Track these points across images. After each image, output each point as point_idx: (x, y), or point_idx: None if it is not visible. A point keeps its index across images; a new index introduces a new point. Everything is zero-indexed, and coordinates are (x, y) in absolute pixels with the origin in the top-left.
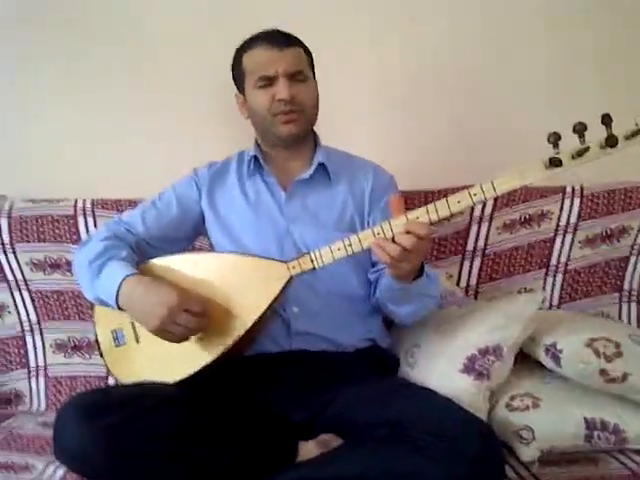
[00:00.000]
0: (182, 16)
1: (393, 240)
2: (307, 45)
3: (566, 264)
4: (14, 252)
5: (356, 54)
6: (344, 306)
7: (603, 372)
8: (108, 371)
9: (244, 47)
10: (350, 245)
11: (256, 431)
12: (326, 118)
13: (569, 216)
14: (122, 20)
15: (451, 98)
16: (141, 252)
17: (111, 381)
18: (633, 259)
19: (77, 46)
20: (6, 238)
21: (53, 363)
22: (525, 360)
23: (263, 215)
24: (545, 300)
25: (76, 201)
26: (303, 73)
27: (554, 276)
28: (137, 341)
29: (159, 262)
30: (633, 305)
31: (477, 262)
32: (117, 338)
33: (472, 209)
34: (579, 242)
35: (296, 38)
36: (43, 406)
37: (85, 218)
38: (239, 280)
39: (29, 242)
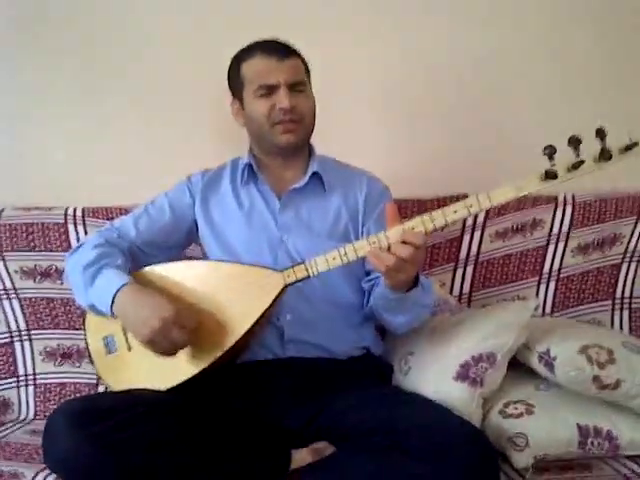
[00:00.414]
0: (178, 21)
1: (389, 250)
2: (306, 55)
3: (559, 272)
4: (3, 260)
5: (355, 63)
6: (337, 314)
7: (596, 379)
8: (98, 379)
9: (243, 55)
10: (345, 254)
11: (249, 439)
12: (324, 127)
13: (561, 224)
14: (119, 25)
15: (449, 108)
16: (133, 258)
17: (101, 389)
18: (625, 267)
19: (70, 52)
20: None
21: (42, 371)
22: (518, 367)
23: (257, 224)
24: (538, 307)
25: (67, 209)
26: (303, 83)
27: (547, 284)
28: (129, 349)
29: (153, 270)
30: (625, 312)
31: (470, 270)
32: (108, 345)
33: (465, 218)
34: (571, 250)
35: (294, 49)
36: (32, 414)
37: (76, 226)
38: (233, 288)
39: (19, 250)
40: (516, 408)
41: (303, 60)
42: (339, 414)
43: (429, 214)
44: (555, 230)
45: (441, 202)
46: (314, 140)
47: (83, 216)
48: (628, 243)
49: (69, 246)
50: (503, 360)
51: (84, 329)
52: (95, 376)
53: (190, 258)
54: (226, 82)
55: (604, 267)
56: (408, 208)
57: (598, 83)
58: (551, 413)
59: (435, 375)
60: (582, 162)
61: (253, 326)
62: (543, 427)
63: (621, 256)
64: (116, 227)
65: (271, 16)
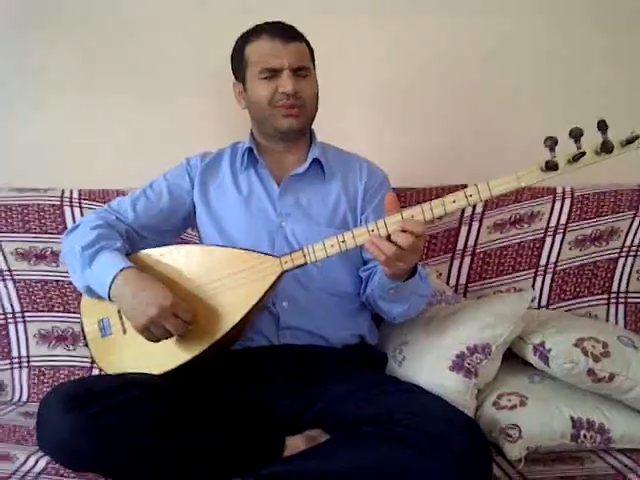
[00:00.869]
0: (179, 2)
1: (388, 238)
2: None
3: (555, 265)
4: None
5: (354, 52)
6: (333, 303)
7: (590, 372)
8: (92, 362)
9: (247, 37)
10: (344, 241)
11: (242, 425)
12: (323, 115)
13: (559, 217)
14: (119, 7)
15: (449, 98)
16: (130, 241)
17: (95, 373)
18: (622, 261)
19: (68, 36)
20: None
21: (36, 354)
22: (513, 359)
23: (255, 209)
24: (534, 300)
25: (63, 191)
26: (307, 68)
27: (543, 276)
28: (124, 332)
29: (149, 254)
30: (621, 307)
31: (467, 261)
32: (103, 329)
33: (464, 209)
34: (569, 243)
35: (300, 33)
36: (25, 396)
37: (72, 208)
38: (230, 273)
39: (14, 232)
40: (510, 400)
41: (309, 45)
42: (333, 402)
43: (428, 203)
44: (553, 223)
45: (440, 192)
46: (314, 127)
47: (79, 198)
48: (625, 237)
49: (65, 228)
50: (498, 351)
51: (79, 311)
52: (89, 360)
53: (186, 243)
54: (228, 65)
55: (601, 261)
56: (407, 198)
57: (599, 76)
58: (544, 405)
59: (430, 365)
60: (583, 154)
61: (249, 312)
62: (536, 419)
63: (618, 250)
64: (114, 209)
65: (272, 2)
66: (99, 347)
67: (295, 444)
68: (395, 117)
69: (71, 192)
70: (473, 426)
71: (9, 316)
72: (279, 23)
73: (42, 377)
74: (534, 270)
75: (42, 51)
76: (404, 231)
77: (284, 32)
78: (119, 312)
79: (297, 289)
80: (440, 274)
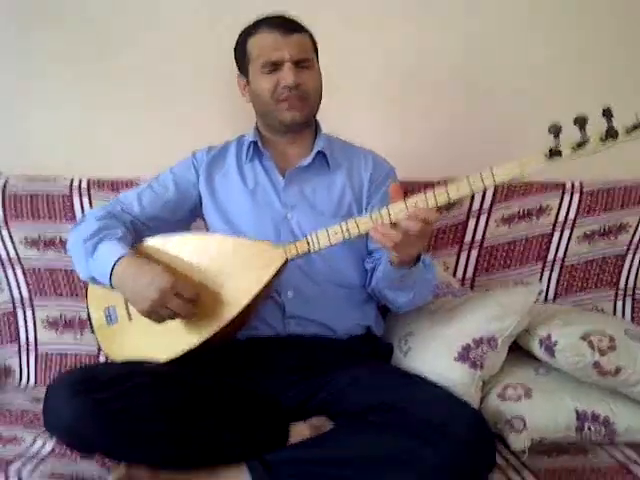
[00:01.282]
0: None
1: (394, 225)
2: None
3: (563, 259)
4: (8, 229)
5: (359, 42)
6: (339, 293)
7: (596, 365)
8: (99, 349)
9: (249, 30)
10: (348, 230)
11: (247, 412)
12: (328, 106)
13: (568, 212)
14: None
15: (453, 89)
16: (137, 233)
17: (102, 359)
18: (630, 256)
19: (76, 24)
20: (0, 215)
21: (44, 340)
22: (519, 351)
23: (261, 201)
24: (541, 293)
25: (72, 180)
26: (309, 60)
27: (550, 271)
28: (129, 319)
29: (153, 242)
30: (628, 301)
31: (474, 254)
32: (110, 316)
33: (471, 202)
34: (577, 238)
35: (301, 24)
36: (32, 381)
37: (81, 197)
38: (234, 262)
39: (23, 220)
40: (515, 391)
41: (311, 36)
42: (338, 391)
43: (432, 191)
44: (561, 217)
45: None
46: (318, 118)
47: (88, 187)
48: (634, 233)
49: (74, 217)
50: (504, 344)
51: (86, 300)
52: (96, 347)
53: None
54: (232, 58)
55: (609, 256)
56: (414, 190)
57: (604, 64)
58: (549, 397)
59: (435, 356)
60: (588, 141)
61: (253, 300)
62: (541, 411)
63: (626, 246)
64: (120, 201)
65: None
66: (105, 334)
67: (299, 432)
68: (402, 108)
69: (80, 181)
70: (477, 416)
71: (17, 303)
72: (280, 16)
73: (49, 363)
74: (542, 264)
75: (51, 41)
76: (412, 217)
77: (284, 24)
78: (125, 300)
79: (303, 280)
80: (447, 267)
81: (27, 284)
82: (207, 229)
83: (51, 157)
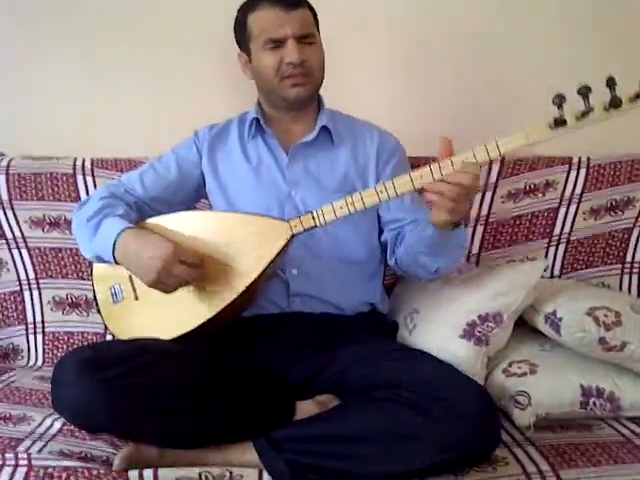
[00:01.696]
0: None
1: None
2: (314, 6)
3: (569, 234)
4: (12, 209)
5: (365, 16)
6: (344, 270)
7: (602, 340)
8: (106, 328)
9: (249, 6)
10: (353, 203)
11: (253, 389)
12: (333, 81)
13: (574, 187)
14: None
15: (459, 64)
16: (140, 213)
17: (109, 339)
18: (636, 231)
19: (78, 3)
20: (4, 195)
21: (51, 320)
22: (524, 326)
23: (265, 178)
24: (547, 269)
25: (75, 160)
26: (312, 35)
27: (556, 246)
28: (136, 298)
29: (157, 220)
30: (634, 277)
31: (480, 230)
32: (115, 295)
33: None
34: (583, 213)
35: None
36: (40, 361)
37: (84, 177)
38: (240, 238)
39: (27, 200)
40: (520, 367)
41: (312, 10)
42: (344, 368)
43: (437, 164)
44: (568, 192)
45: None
46: (323, 94)
47: (92, 167)
48: None
49: (78, 197)
50: (509, 320)
51: (91, 278)
52: (103, 326)
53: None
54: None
55: (615, 231)
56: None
57: (609, 33)
58: (554, 373)
59: (441, 333)
60: (591, 110)
61: (259, 276)
62: (546, 386)
63: (633, 220)
64: (123, 182)
65: None
66: (111, 313)
67: (306, 409)
68: (406, 85)
69: (83, 160)
70: (482, 392)
71: (24, 283)
72: None
73: (56, 342)
74: (547, 240)
75: (52, 19)
76: (460, 173)
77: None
78: (130, 278)
79: (307, 257)
80: None
81: (33, 264)
82: (210, 208)
83: (54, 137)
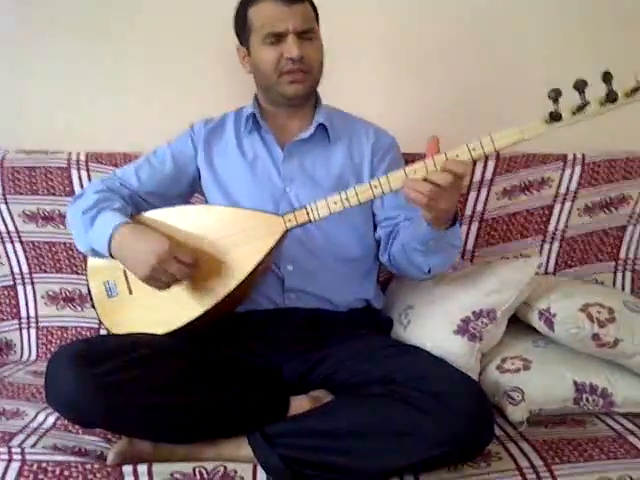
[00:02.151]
0: None
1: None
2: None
3: (563, 231)
4: (6, 203)
5: (362, 14)
6: (339, 266)
7: (595, 337)
8: (100, 323)
9: (249, 0)
10: (347, 198)
11: (248, 385)
12: (330, 78)
13: (569, 183)
14: None
15: (455, 61)
16: (136, 206)
17: (103, 333)
18: (630, 228)
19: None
20: None
21: (44, 314)
22: (518, 323)
23: (260, 174)
24: (541, 266)
25: (70, 154)
26: (312, 30)
27: (551, 243)
28: (130, 292)
29: (152, 214)
30: (628, 274)
31: (475, 227)
32: (109, 289)
33: (472, 175)
34: (578, 210)
35: None
36: (34, 356)
37: (79, 171)
38: (233, 232)
39: (21, 194)
40: (513, 363)
41: (312, 4)
42: (338, 364)
43: (431, 159)
44: (563, 189)
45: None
46: (320, 89)
47: (86, 161)
48: (635, 205)
49: (72, 191)
50: (503, 317)
51: (86, 273)
52: (97, 321)
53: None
54: (232, 27)
55: (610, 228)
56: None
57: (604, 30)
58: (548, 369)
59: (435, 329)
60: (587, 104)
61: (253, 271)
62: (539, 382)
63: (627, 217)
64: (118, 176)
65: None
66: (106, 308)
67: (300, 404)
68: (405, 76)
69: (78, 154)
70: (476, 388)
71: (17, 277)
72: None
73: (50, 337)
74: (542, 237)
75: (48, 13)
76: (445, 171)
77: None
78: (125, 273)
79: (302, 253)
80: None
81: (27, 258)
82: (205, 202)
83: (48, 130)
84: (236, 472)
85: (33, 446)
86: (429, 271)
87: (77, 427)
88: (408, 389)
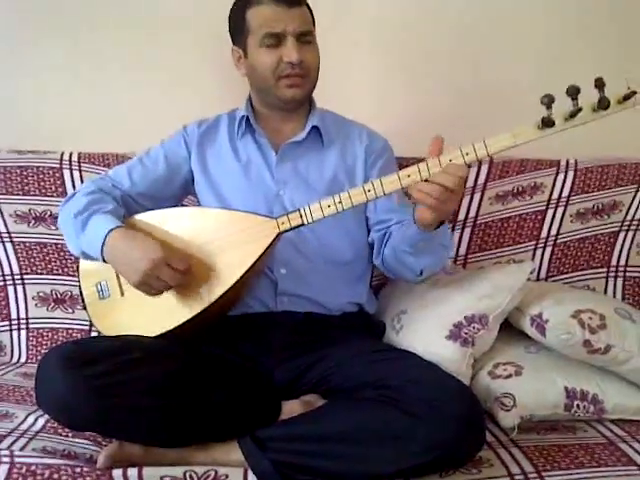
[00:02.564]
0: None
1: (427, 181)
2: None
3: (556, 237)
4: None
5: (355, 17)
6: (332, 270)
7: (587, 343)
8: (91, 325)
9: (248, 1)
10: (340, 202)
11: (240, 388)
12: (324, 81)
13: (562, 189)
14: None
15: (449, 65)
16: (127, 208)
17: (94, 335)
18: (622, 235)
19: None
20: None
21: (35, 316)
22: (510, 328)
23: (253, 177)
24: (534, 272)
25: (62, 154)
26: (310, 33)
27: (543, 249)
28: (122, 294)
29: (144, 216)
30: (619, 280)
31: (467, 232)
32: (101, 291)
33: (465, 179)
34: (570, 216)
35: None
36: (24, 358)
37: (71, 171)
38: (226, 235)
39: (13, 194)
40: (505, 369)
41: (310, 9)
42: (331, 368)
43: (425, 163)
44: (555, 195)
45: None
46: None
47: (79, 161)
48: (627, 211)
49: (64, 191)
50: (495, 322)
51: (77, 274)
52: (88, 322)
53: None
54: (227, 28)
55: (602, 234)
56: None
57: (597, 37)
58: (539, 375)
59: (427, 334)
60: (579, 110)
61: (245, 274)
62: (531, 388)
63: (619, 224)
64: (110, 177)
65: None
66: (97, 310)
67: (291, 408)
68: (398, 79)
69: (70, 155)
70: (468, 393)
71: (8, 278)
72: None
73: (41, 339)
74: (534, 242)
75: (39, 13)
76: (446, 173)
77: None
78: (117, 275)
79: (295, 257)
80: None
81: (17, 259)
82: (198, 205)
83: (41, 130)
84: (227, 476)
85: (22, 449)
86: (421, 273)
87: (67, 430)
88: (400, 394)
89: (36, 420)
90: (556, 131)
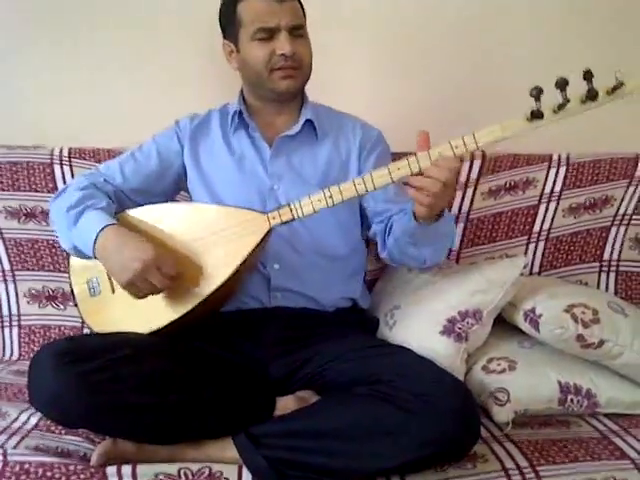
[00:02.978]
0: None
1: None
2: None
3: (548, 232)
4: None
5: (349, 11)
6: (325, 266)
7: (580, 338)
8: (83, 322)
9: None
10: (331, 196)
11: (234, 385)
12: (317, 75)
13: (554, 184)
14: None
15: (442, 59)
16: (119, 203)
17: (86, 332)
18: (614, 230)
19: None
20: None
21: (27, 313)
22: (503, 324)
23: (247, 171)
24: (527, 266)
25: (52, 149)
26: (302, 27)
27: (536, 243)
28: (112, 291)
29: (136, 212)
30: (612, 275)
31: (460, 227)
32: (92, 288)
33: (458, 172)
34: (562, 210)
35: None
36: (16, 355)
37: (62, 167)
38: (218, 230)
39: (3, 190)
40: (499, 364)
41: (301, 2)
42: (325, 364)
43: (415, 156)
44: (547, 190)
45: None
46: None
47: (69, 156)
48: (619, 206)
49: (55, 187)
50: (489, 317)
51: (68, 271)
52: (80, 319)
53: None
54: (217, 21)
55: (594, 229)
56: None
57: (587, 29)
58: (533, 370)
59: (421, 329)
60: (568, 101)
61: (238, 269)
62: (525, 383)
63: (611, 219)
64: (102, 172)
65: None
66: (88, 306)
67: (286, 405)
68: (392, 73)
69: (61, 150)
70: (462, 388)
71: None
72: None
73: (33, 336)
74: (527, 237)
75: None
76: (437, 167)
77: None
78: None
79: (288, 252)
80: None
81: (8, 256)
82: (190, 200)
83: (30, 125)
84: (222, 473)
85: (15, 447)
86: (425, 261)
87: (60, 428)
88: (394, 389)
89: (29, 418)
90: (545, 123)
